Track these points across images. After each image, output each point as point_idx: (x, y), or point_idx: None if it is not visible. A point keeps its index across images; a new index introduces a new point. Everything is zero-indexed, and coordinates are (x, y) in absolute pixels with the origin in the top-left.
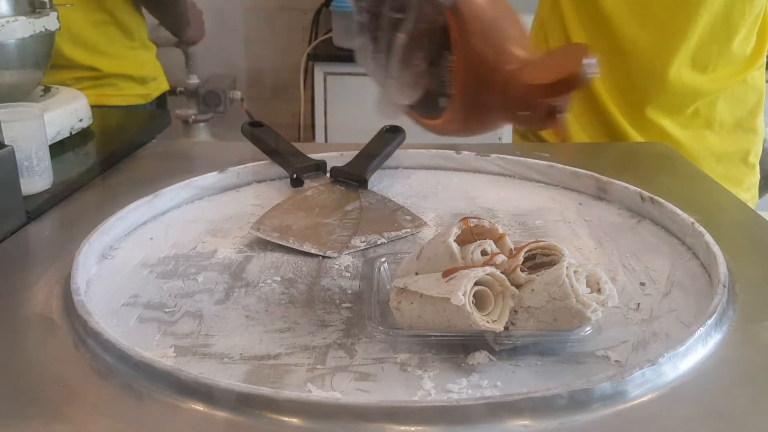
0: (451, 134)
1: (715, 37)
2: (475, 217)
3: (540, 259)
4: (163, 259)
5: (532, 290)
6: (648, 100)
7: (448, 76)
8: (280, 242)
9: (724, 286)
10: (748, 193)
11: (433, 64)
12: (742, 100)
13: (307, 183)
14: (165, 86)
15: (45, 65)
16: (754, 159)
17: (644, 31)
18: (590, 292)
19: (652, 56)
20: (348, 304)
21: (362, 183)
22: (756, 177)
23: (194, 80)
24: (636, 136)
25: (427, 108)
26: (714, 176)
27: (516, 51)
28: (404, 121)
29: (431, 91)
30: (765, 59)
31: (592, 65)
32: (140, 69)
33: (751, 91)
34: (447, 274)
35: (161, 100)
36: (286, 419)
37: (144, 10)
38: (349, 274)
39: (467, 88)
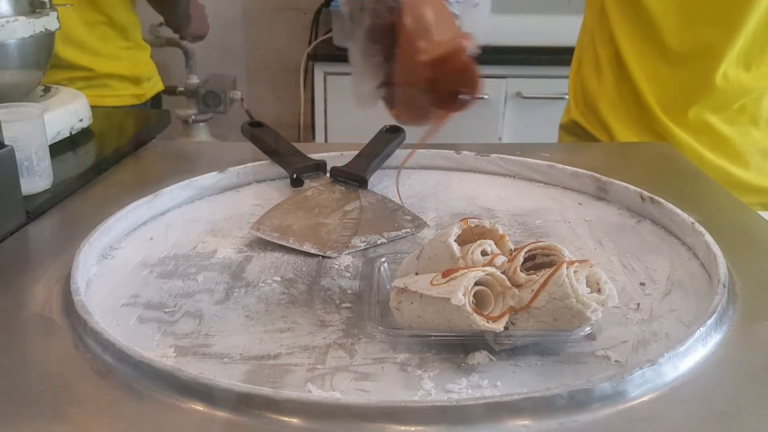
0: (404, 123)
1: (761, 35)
2: (475, 218)
3: (540, 260)
4: (163, 259)
5: (532, 290)
6: (694, 99)
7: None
8: (280, 242)
9: (724, 286)
10: None
11: (389, 59)
12: None
13: (307, 183)
14: (159, 86)
15: (45, 65)
16: None
17: (692, 33)
18: (590, 292)
19: (700, 57)
20: (348, 304)
21: (362, 183)
22: None
23: (194, 80)
24: (681, 134)
25: (390, 99)
26: (762, 173)
27: (436, 43)
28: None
29: (388, 82)
30: None
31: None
32: (134, 69)
33: None
34: (447, 274)
35: (156, 100)
36: (286, 419)
37: (140, 11)
38: (349, 274)
39: (400, 78)
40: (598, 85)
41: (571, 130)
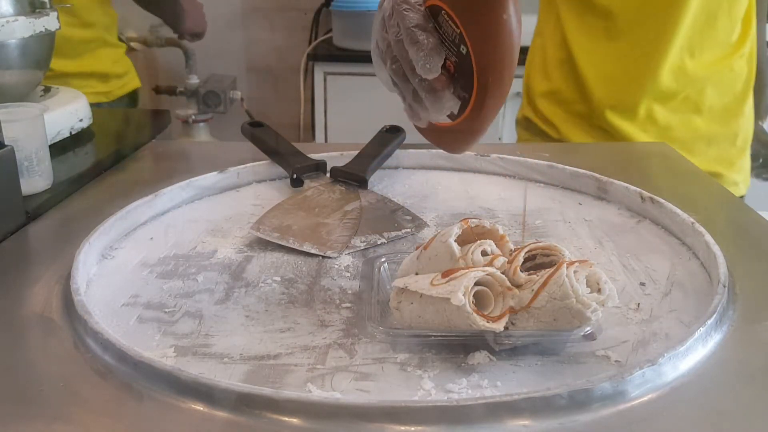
0: (467, 137)
1: (702, 22)
2: (475, 218)
3: (540, 260)
4: (163, 259)
5: (532, 290)
6: (644, 93)
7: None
8: (280, 242)
9: (724, 286)
10: (740, 174)
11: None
12: (730, 86)
13: (307, 183)
14: (134, 83)
15: (45, 65)
16: (743, 143)
17: (641, 23)
18: (590, 292)
19: (649, 47)
20: (348, 304)
21: (362, 183)
22: (747, 160)
23: (194, 80)
24: (629, 128)
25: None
26: (706, 159)
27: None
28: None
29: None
30: (748, 47)
31: None
32: (99, 65)
33: (737, 78)
34: (447, 274)
35: (132, 98)
36: (286, 419)
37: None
38: (349, 274)
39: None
40: (547, 84)
41: (524, 125)
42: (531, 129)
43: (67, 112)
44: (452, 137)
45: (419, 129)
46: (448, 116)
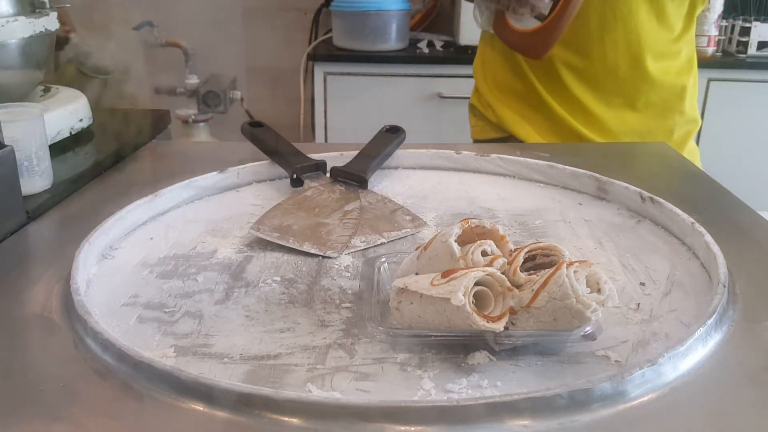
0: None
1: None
2: (475, 218)
3: (540, 260)
4: (163, 259)
5: (532, 290)
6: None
7: None
8: (280, 242)
9: (724, 286)
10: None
11: None
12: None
13: (307, 183)
14: None
15: (45, 65)
16: (680, 138)
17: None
18: (590, 292)
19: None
20: (348, 304)
21: (362, 183)
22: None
23: (194, 80)
24: (558, 109)
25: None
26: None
27: None
28: (405, 121)
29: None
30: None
31: None
32: None
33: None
34: (447, 274)
35: None
36: (286, 419)
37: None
38: (349, 274)
39: None
40: (485, 70)
41: (473, 112)
42: (475, 114)
43: (67, 112)
44: (538, 39)
45: (507, 41)
46: (537, 17)
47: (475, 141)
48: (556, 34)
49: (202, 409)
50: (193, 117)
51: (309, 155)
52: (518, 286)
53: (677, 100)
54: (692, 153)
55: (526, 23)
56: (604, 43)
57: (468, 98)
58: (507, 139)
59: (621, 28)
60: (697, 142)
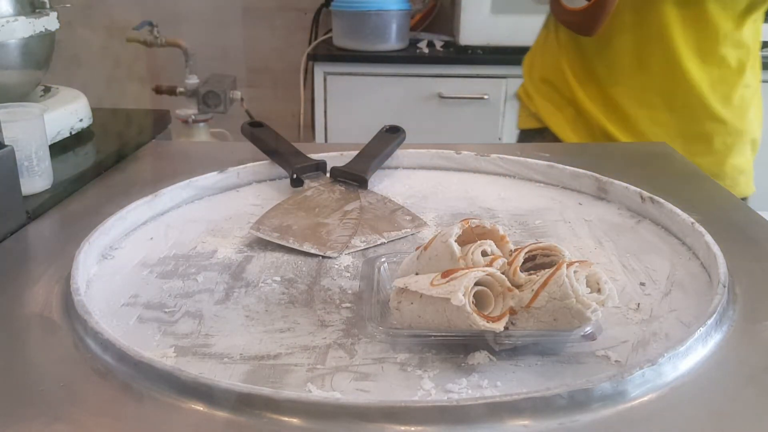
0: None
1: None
2: (475, 218)
3: (540, 260)
4: (163, 259)
5: (532, 290)
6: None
7: None
8: (280, 242)
9: (724, 286)
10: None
11: None
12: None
13: (307, 183)
14: None
15: (45, 65)
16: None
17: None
18: (590, 292)
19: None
20: (348, 304)
21: (362, 183)
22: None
23: (194, 80)
24: (590, 106)
25: None
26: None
27: None
28: (405, 121)
29: None
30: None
31: None
32: None
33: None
34: (447, 274)
35: None
36: (286, 419)
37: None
38: (349, 274)
39: None
40: (530, 61)
41: (519, 99)
42: (522, 104)
43: (67, 112)
44: (587, 16)
45: (560, 18)
46: None
47: (520, 129)
48: (605, 12)
49: (202, 409)
50: (193, 117)
51: (309, 155)
52: (518, 286)
53: (719, 106)
54: (739, 170)
55: (577, 2)
56: (636, 39)
57: (468, 98)
58: (544, 130)
59: (654, 26)
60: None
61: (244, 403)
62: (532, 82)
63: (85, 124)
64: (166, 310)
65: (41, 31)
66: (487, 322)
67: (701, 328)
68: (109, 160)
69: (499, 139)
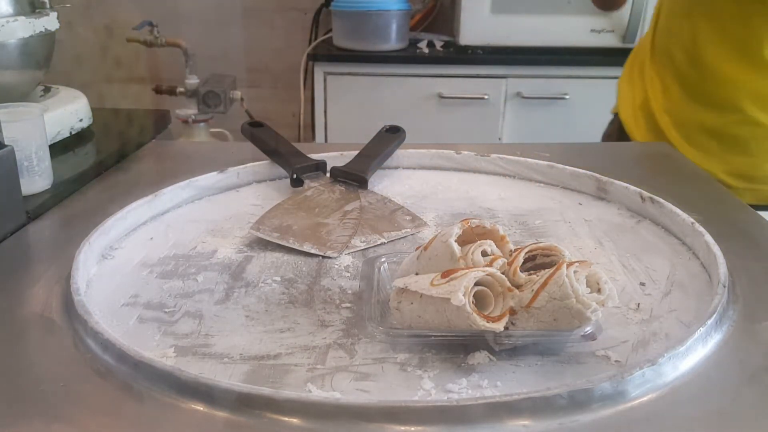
0: None
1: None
2: (475, 218)
3: (540, 260)
4: (163, 259)
5: (532, 290)
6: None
7: None
8: (280, 242)
9: (724, 286)
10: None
11: None
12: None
13: (307, 183)
14: None
15: (45, 65)
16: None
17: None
18: (590, 292)
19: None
20: (348, 304)
21: (362, 183)
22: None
23: (194, 80)
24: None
25: None
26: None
27: None
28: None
29: None
30: None
31: None
32: None
33: None
34: (447, 274)
35: None
36: (286, 419)
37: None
38: (349, 274)
39: None
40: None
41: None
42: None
43: (67, 112)
44: None
45: None
46: None
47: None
48: None
49: (202, 409)
50: (193, 117)
51: (309, 155)
52: (518, 286)
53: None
54: None
55: None
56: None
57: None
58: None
59: (712, 73)
60: None
61: (244, 403)
62: (624, 76)
63: (85, 124)
64: (166, 310)
65: (41, 31)
66: (487, 322)
67: (701, 328)
68: (109, 160)
69: (499, 139)
